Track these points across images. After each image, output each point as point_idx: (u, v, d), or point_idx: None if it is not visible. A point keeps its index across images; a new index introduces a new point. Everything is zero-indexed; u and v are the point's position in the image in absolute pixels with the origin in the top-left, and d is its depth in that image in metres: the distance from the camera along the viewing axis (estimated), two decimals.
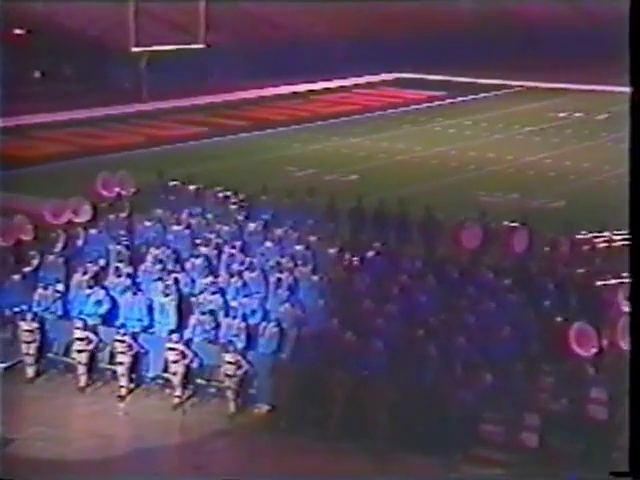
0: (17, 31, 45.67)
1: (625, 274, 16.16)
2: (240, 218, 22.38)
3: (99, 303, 18.07)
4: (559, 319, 17.00)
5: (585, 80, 54.63)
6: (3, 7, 37.86)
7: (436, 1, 63.85)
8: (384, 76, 56.69)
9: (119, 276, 18.76)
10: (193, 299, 18.13)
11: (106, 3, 48.65)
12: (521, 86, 53.12)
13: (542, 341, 16.47)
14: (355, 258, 19.81)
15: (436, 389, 15.49)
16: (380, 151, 37.18)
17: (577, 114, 46.59)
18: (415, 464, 14.92)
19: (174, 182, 24.88)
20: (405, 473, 14.82)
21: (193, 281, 18.86)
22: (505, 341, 16.31)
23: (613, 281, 18.73)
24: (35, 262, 19.33)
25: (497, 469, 14.88)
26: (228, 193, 23.98)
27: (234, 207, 23.37)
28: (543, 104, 49.57)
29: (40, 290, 18.20)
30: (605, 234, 21.70)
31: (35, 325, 17.43)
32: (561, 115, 46.39)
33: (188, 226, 21.65)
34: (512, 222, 22.06)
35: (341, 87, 53.44)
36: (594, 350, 16.07)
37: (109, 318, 17.97)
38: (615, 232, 21.19)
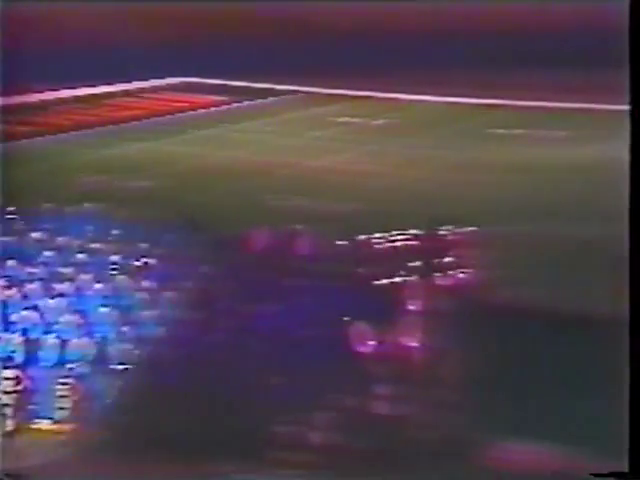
0: None
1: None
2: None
3: None
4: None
5: (364, 87, 55.75)
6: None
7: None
8: (169, 80, 56.09)
9: None
10: None
11: None
12: (304, 91, 53.77)
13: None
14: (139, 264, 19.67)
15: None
16: (171, 156, 36.80)
17: (355, 119, 47.57)
18: None
19: None
20: None
21: None
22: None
23: (397, 279, 19.20)
24: None
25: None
26: None
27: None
28: (323, 109, 50.36)
29: None
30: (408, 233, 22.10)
31: None
32: (340, 120, 47.26)
33: None
34: (297, 226, 22.23)
35: (126, 92, 52.50)
36: (374, 346, 16.43)
37: None
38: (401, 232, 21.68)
